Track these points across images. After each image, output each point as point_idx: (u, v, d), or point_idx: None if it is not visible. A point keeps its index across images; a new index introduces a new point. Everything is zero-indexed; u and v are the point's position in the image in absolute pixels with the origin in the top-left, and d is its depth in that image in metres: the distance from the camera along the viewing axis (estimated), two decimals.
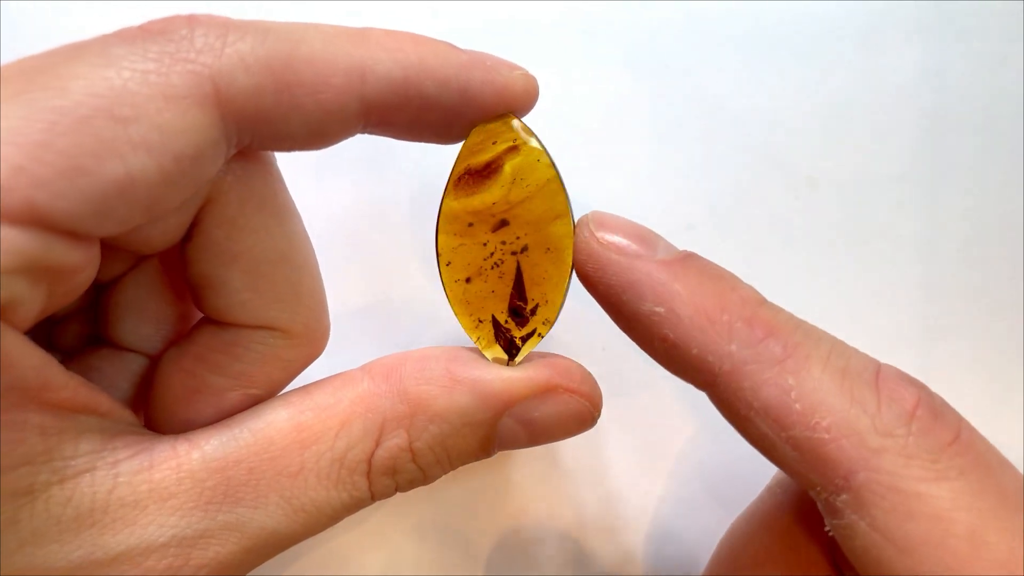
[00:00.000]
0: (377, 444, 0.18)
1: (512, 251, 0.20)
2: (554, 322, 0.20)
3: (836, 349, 0.17)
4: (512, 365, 0.20)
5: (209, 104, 0.16)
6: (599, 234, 0.18)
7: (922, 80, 0.28)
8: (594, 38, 0.28)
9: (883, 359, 0.18)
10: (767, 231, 0.28)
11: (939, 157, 0.28)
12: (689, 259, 0.18)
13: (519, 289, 0.20)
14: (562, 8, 0.28)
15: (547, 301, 0.20)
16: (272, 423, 0.18)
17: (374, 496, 0.19)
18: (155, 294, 0.21)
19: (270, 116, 0.17)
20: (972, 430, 0.16)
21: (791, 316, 0.18)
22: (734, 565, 0.21)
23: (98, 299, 0.21)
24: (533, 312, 0.20)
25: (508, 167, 0.19)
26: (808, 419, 0.16)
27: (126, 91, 0.15)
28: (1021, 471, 0.17)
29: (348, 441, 0.18)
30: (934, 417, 0.16)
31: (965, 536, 0.15)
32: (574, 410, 0.20)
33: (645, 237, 0.18)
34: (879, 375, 0.17)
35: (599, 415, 0.20)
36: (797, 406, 0.16)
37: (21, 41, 0.27)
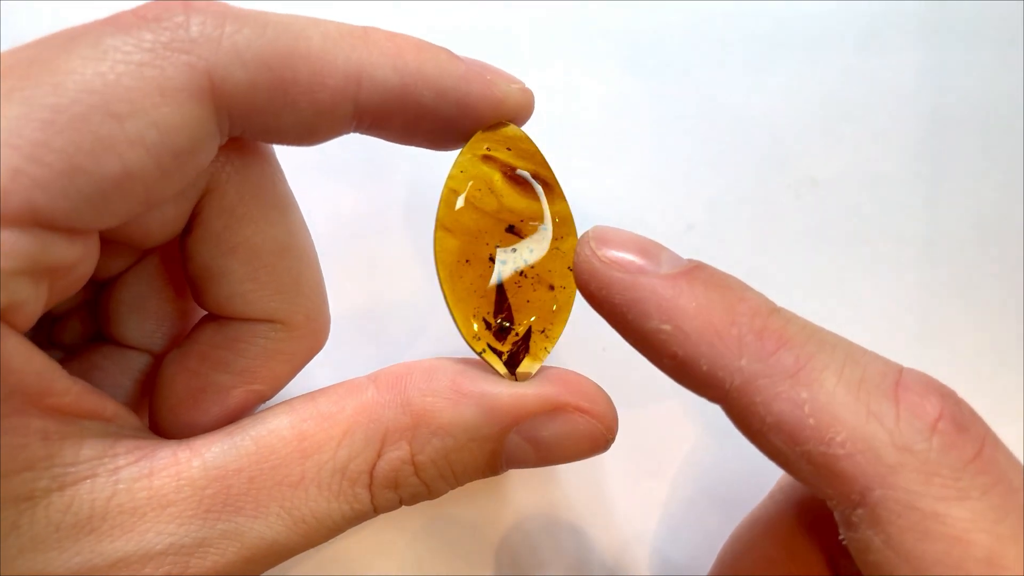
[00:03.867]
0: (379, 455, 0.18)
1: (516, 268, 0.19)
2: (551, 350, 0.20)
3: (852, 357, 0.16)
4: (521, 380, 0.19)
5: (205, 97, 0.16)
6: (600, 252, 0.17)
7: (922, 81, 0.28)
8: (594, 38, 0.28)
9: None
10: (767, 231, 0.28)
11: (939, 157, 0.28)
12: (695, 271, 0.17)
13: (500, 303, 0.19)
14: (562, 8, 0.28)
15: (547, 334, 0.20)
16: (274, 431, 0.18)
17: (377, 509, 0.18)
18: (156, 290, 0.21)
19: (263, 111, 0.17)
20: (996, 443, 0.16)
21: (804, 324, 0.17)
22: (736, 570, 0.21)
23: (99, 297, 0.21)
24: (526, 336, 0.20)
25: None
26: (822, 434, 0.15)
27: (121, 86, 0.15)
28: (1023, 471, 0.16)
29: (350, 451, 0.18)
30: (957, 430, 0.15)
31: (983, 559, 0.14)
32: (585, 431, 0.19)
33: (648, 250, 0.18)
34: (899, 384, 0.16)
35: (613, 438, 0.19)
36: (811, 421, 0.15)
37: (22, 41, 0.27)
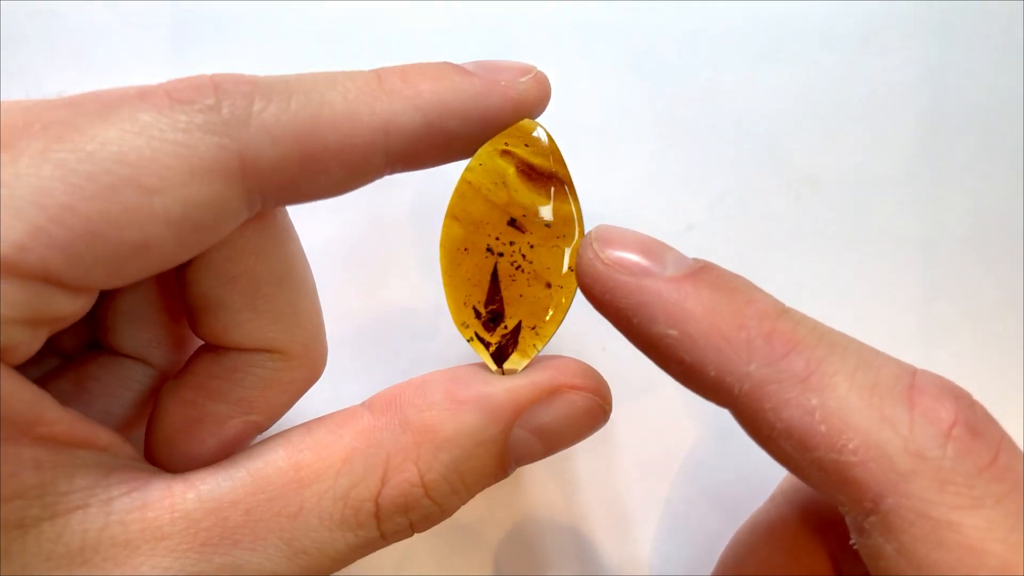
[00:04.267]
0: (383, 481, 0.17)
1: (512, 261, 0.19)
2: (540, 348, 0.20)
3: (864, 360, 0.16)
4: (508, 375, 0.19)
5: (234, 177, 0.16)
6: (604, 253, 0.17)
7: (922, 80, 0.28)
8: (594, 38, 0.28)
9: None
10: (767, 231, 0.28)
11: (939, 157, 0.28)
12: (701, 272, 0.17)
13: (492, 294, 0.19)
14: (562, 8, 0.28)
15: (537, 332, 0.20)
16: (270, 462, 0.17)
17: (385, 536, 0.18)
18: (153, 301, 0.21)
19: (295, 182, 0.17)
20: (1012, 447, 0.15)
21: (815, 325, 0.16)
22: (738, 573, 0.21)
23: (97, 305, 0.21)
24: (515, 330, 0.20)
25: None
26: (834, 441, 0.15)
27: (154, 162, 0.15)
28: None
29: (351, 479, 0.17)
30: (972, 436, 0.15)
31: (997, 569, 0.14)
32: (584, 407, 0.19)
33: (653, 250, 0.17)
34: (913, 387, 0.15)
35: (610, 409, 0.19)
36: (822, 427, 0.15)
37: (22, 41, 0.27)
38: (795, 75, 0.28)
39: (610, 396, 0.19)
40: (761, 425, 0.16)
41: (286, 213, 0.19)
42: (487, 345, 0.20)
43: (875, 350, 0.16)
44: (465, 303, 0.19)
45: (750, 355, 0.16)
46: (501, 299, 0.19)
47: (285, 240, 0.19)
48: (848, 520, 0.16)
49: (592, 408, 0.19)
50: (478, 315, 0.19)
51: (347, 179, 0.17)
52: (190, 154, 0.15)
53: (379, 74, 0.18)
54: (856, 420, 0.15)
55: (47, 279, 0.15)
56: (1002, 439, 0.15)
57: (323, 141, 0.17)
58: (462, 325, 0.20)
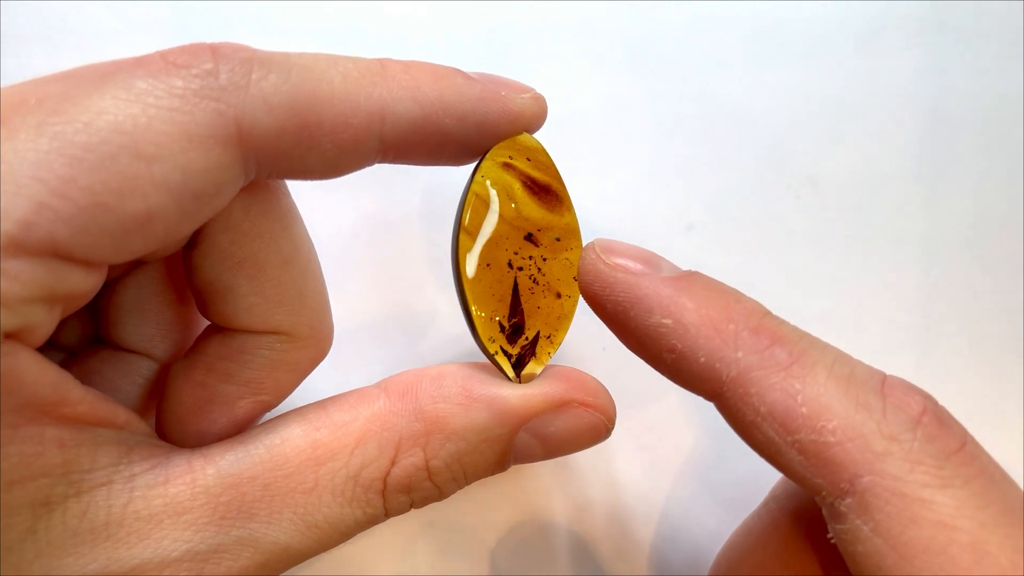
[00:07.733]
0: (393, 463, 0.18)
1: (530, 275, 0.20)
2: (553, 355, 0.21)
3: (841, 358, 0.17)
4: (525, 382, 0.20)
5: (231, 144, 0.16)
6: (604, 257, 0.18)
7: (922, 81, 0.28)
8: (594, 38, 0.28)
9: (883, 359, 0.18)
10: (767, 231, 0.28)
11: (939, 157, 0.28)
12: (693, 275, 0.18)
13: (514, 307, 0.20)
14: (562, 8, 0.28)
15: (551, 340, 0.20)
16: (287, 439, 0.18)
17: (388, 513, 0.19)
18: (155, 294, 0.21)
19: (289, 154, 0.17)
20: (976, 442, 0.16)
21: (795, 327, 0.18)
22: None
23: (98, 299, 0.21)
24: (533, 341, 0.20)
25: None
26: (814, 422, 0.16)
27: (151, 129, 0.15)
28: (1022, 470, 0.17)
29: (363, 459, 0.18)
30: (940, 425, 0.16)
31: (968, 545, 0.15)
32: (588, 423, 0.20)
33: (649, 259, 0.19)
34: (885, 383, 0.17)
35: (613, 427, 0.20)
36: (803, 410, 0.16)
37: (22, 41, 0.27)
38: (795, 75, 0.28)
39: (614, 414, 0.20)
40: (746, 410, 0.17)
41: (290, 195, 0.20)
42: (509, 357, 0.20)
43: (848, 354, 0.18)
44: (492, 318, 0.20)
45: (737, 344, 0.17)
46: (522, 312, 0.20)
47: (290, 223, 0.19)
48: (825, 509, 0.17)
49: (596, 425, 0.20)
50: (502, 329, 0.20)
51: (340, 159, 0.18)
52: (187, 120, 0.15)
53: (382, 62, 0.18)
54: (835, 404, 0.16)
55: (56, 254, 0.15)
56: (967, 434, 0.17)
57: (319, 117, 0.17)
58: (488, 340, 0.20)
